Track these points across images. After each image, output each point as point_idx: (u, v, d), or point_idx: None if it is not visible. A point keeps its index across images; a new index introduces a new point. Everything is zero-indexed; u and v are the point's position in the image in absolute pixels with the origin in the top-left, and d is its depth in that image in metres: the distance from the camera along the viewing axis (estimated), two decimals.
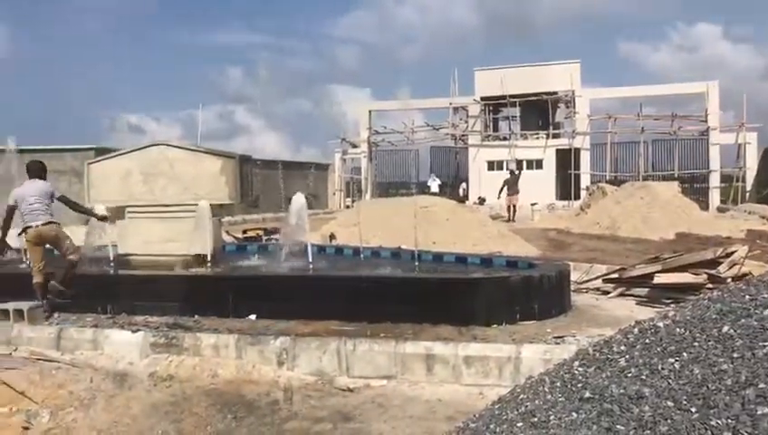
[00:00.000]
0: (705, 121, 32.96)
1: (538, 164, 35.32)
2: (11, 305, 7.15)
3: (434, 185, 33.18)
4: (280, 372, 5.79)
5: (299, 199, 9.28)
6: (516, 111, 37.28)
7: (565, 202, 32.36)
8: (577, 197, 32.18)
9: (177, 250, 9.30)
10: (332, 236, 13.15)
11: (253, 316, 7.17)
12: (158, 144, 9.94)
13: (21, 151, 19.48)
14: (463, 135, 37.71)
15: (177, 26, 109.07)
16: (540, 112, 37.11)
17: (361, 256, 9.90)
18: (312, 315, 6.82)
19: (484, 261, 8.79)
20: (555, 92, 35.87)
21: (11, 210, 7.50)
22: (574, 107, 34.86)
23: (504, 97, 35.64)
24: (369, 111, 39.78)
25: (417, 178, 38.90)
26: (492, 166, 36.03)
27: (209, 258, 8.99)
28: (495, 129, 39.55)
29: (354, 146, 39.75)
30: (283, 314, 7.00)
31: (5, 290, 7.68)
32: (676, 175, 32.49)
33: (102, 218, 8.40)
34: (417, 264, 8.48)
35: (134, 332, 6.43)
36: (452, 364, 5.48)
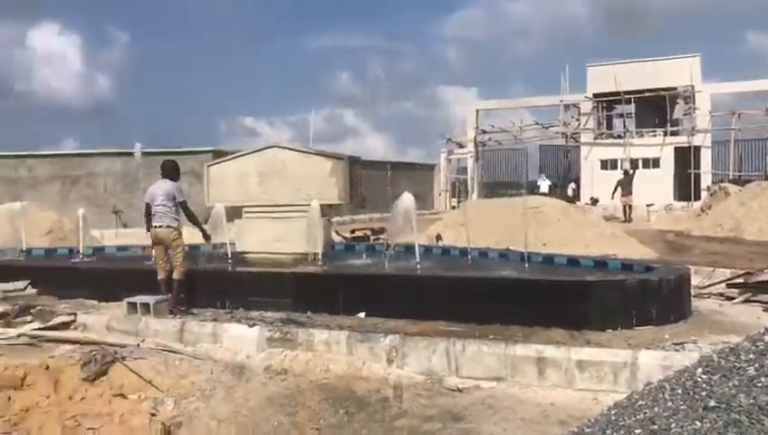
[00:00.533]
0: None
1: (655, 163, 33.79)
2: (138, 299, 7.62)
3: (543, 185, 32.43)
4: (389, 369, 5.86)
5: (406, 199, 9.35)
6: (631, 108, 35.79)
7: (684, 203, 30.76)
8: (697, 197, 30.53)
9: (289, 248, 9.63)
10: (439, 237, 13.15)
11: (362, 314, 7.30)
12: (272, 146, 10.33)
13: (145, 154, 20.75)
14: (574, 133, 36.70)
15: (287, 32, 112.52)
16: (656, 109, 35.47)
17: (469, 257, 9.85)
18: (420, 315, 6.86)
19: (598, 263, 8.53)
20: (673, 88, 34.14)
21: (147, 208, 8.07)
22: (694, 103, 33.12)
23: (617, 93, 34.31)
24: (477, 111, 39.48)
25: (525, 178, 38.18)
26: (605, 165, 34.85)
27: (320, 257, 9.23)
28: (609, 126, 38.21)
29: (461, 146, 39.58)
30: (391, 312, 7.09)
31: (135, 285, 8.23)
32: None
33: (206, 238, 8.72)
34: (526, 265, 8.34)
35: (251, 326, 6.71)
36: (564, 368, 5.36)
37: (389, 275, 8.28)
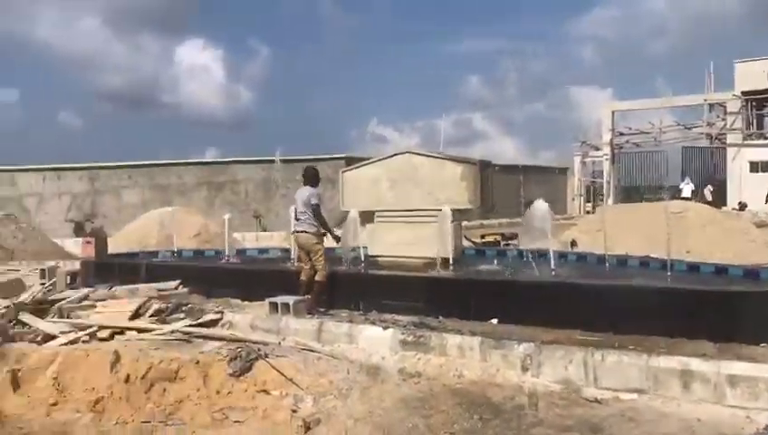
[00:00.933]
0: None
1: None
2: (279, 299, 7.98)
3: (686, 189, 30.51)
4: (524, 377, 5.78)
5: (541, 205, 9.18)
6: None
7: None
8: None
9: (420, 253, 9.73)
10: (573, 243, 12.81)
11: (494, 320, 7.25)
12: (404, 152, 10.49)
13: (283, 161, 21.66)
14: (720, 134, 34.46)
15: (417, 37, 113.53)
16: None
17: (606, 263, 9.52)
18: (555, 323, 6.71)
19: (749, 273, 7.98)
20: None
21: (294, 212, 8.58)
22: None
23: None
24: (612, 112, 38.05)
25: (666, 182, 36.27)
26: (755, 167, 32.51)
27: (451, 261, 9.26)
28: (760, 126, 35.58)
29: (596, 149, 38.27)
30: (524, 319, 6.99)
31: (275, 285, 8.63)
32: None
33: (336, 239, 9.01)
34: (668, 274, 7.95)
35: (385, 329, 6.84)
36: (713, 383, 5.05)
37: (523, 282, 8.16)
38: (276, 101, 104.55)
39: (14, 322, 8.15)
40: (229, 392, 6.25)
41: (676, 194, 29.83)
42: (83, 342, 7.30)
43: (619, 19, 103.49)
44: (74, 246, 20.82)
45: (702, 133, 35.11)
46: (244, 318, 7.78)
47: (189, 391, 6.27)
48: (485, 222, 23.33)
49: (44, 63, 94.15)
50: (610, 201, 35.22)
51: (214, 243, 17.56)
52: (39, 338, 7.54)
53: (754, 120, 35.08)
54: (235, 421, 5.74)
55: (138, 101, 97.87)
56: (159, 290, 8.83)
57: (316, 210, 8.39)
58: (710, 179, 34.17)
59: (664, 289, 7.14)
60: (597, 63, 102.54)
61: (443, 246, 9.39)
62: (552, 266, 8.70)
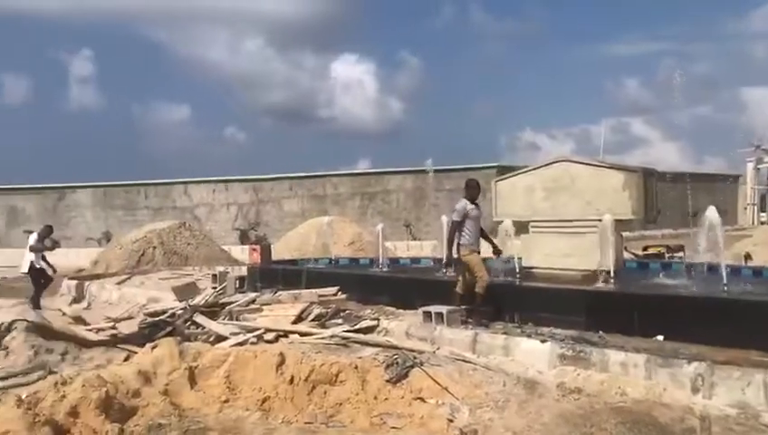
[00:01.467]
0: None
1: None
2: (433, 309, 8.04)
3: None
4: (694, 398, 5.42)
5: (712, 215, 8.57)
6: None
7: None
8: None
9: (578, 265, 9.43)
10: (748, 256, 11.84)
11: (660, 337, 6.86)
12: (560, 160, 10.22)
13: (436, 171, 21.89)
14: None
15: (571, 42, 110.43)
16: None
17: None
18: (728, 342, 6.23)
19: None
20: None
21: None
22: None
23: None
24: None
25: None
26: None
27: (612, 274, 8.87)
28: None
29: None
30: (692, 337, 6.55)
31: (428, 294, 8.71)
32: None
33: (496, 252, 8.86)
34: None
35: (542, 342, 6.69)
36: None
37: (692, 297, 7.65)
38: (427, 111, 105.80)
39: (190, 322, 8.83)
40: (386, 398, 6.37)
41: None
42: (251, 343, 7.76)
43: None
44: (240, 252, 22.34)
45: None
46: (400, 326, 7.92)
47: (349, 395, 6.45)
48: (647, 233, 22.19)
49: (212, 82, 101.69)
50: None
51: (367, 251, 18.11)
52: (212, 338, 8.12)
53: None
54: (393, 427, 5.83)
55: (296, 115, 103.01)
56: (321, 296, 9.20)
57: (453, 223, 8.37)
58: None
59: None
60: None
61: (604, 257, 9.03)
62: (724, 281, 8.09)
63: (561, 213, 9.90)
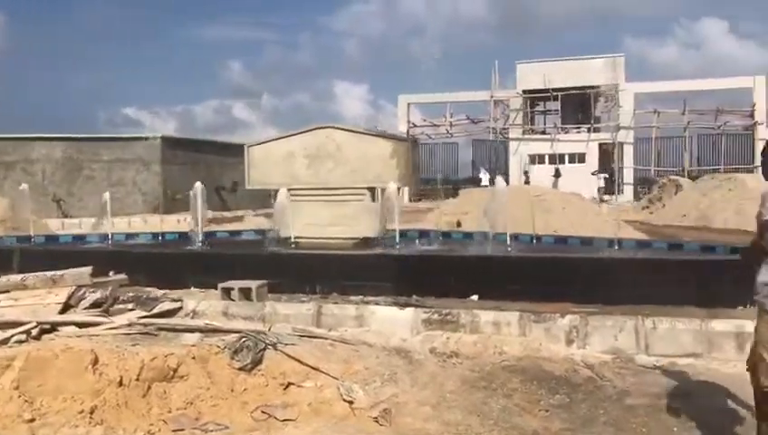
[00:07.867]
0: (752, 117, 33.00)
1: (580, 158, 35.33)
2: (237, 283, 7.09)
3: (485, 178, 33.14)
4: (571, 350, 5.76)
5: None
6: (556, 105, 37.29)
7: (607, 196, 32.34)
8: (620, 191, 32.30)
9: (343, 233, 9.32)
10: (459, 223, 13.13)
11: (475, 297, 7.12)
12: (323, 127, 9.91)
13: (92, 140, 19.39)
14: (503, 129, 37.71)
15: (180, 19, 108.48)
16: (579, 106, 37.11)
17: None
18: (545, 298, 6.74)
19: (672, 246, 8.79)
20: (597, 86, 35.83)
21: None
22: (618, 101, 34.86)
23: (546, 90, 35.59)
24: (408, 104, 39.77)
25: (457, 172, 38.90)
26: (533, 160, 36.06)
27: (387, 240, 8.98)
28: (532, 123, 39.56)
29: None
30: (505, 295, 6.91)
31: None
32: (721, 170, 32.48)
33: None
34: (617, 248, 8.44)
35: (401, 308, 6.39)
36: None
37: (504, 257, 8.09)
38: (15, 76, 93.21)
39: None
40: (245, 389, 5.37)
41: (476, 183, 32.09)
42: (19, 342, 5.83)
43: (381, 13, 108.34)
44: None
45: (488, 127, 38.11)
46: (214, 306, 6.78)
47: (197, 391, 5.26)
48: None
49: None
50: None
51: (25, 228, 15.27)
52: None
53: (530, 117, 38.96)
54: (285, 420, 4.94)
55: None
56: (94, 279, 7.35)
57: None
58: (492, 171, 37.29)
59: (656, 260, 7.57)
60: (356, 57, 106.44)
61: (376, 223, 9.09)
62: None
63: (326, 181, 9.61)
